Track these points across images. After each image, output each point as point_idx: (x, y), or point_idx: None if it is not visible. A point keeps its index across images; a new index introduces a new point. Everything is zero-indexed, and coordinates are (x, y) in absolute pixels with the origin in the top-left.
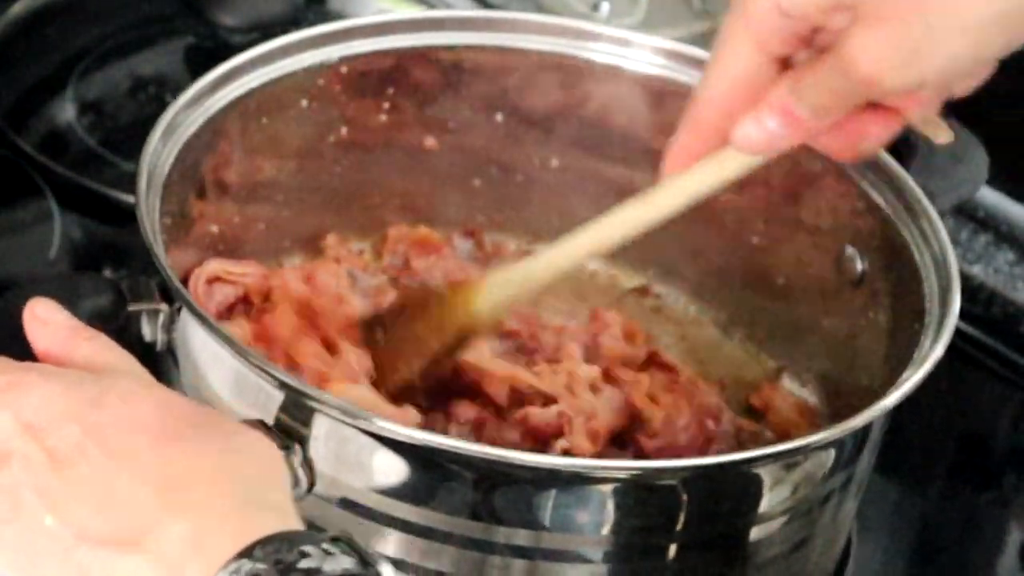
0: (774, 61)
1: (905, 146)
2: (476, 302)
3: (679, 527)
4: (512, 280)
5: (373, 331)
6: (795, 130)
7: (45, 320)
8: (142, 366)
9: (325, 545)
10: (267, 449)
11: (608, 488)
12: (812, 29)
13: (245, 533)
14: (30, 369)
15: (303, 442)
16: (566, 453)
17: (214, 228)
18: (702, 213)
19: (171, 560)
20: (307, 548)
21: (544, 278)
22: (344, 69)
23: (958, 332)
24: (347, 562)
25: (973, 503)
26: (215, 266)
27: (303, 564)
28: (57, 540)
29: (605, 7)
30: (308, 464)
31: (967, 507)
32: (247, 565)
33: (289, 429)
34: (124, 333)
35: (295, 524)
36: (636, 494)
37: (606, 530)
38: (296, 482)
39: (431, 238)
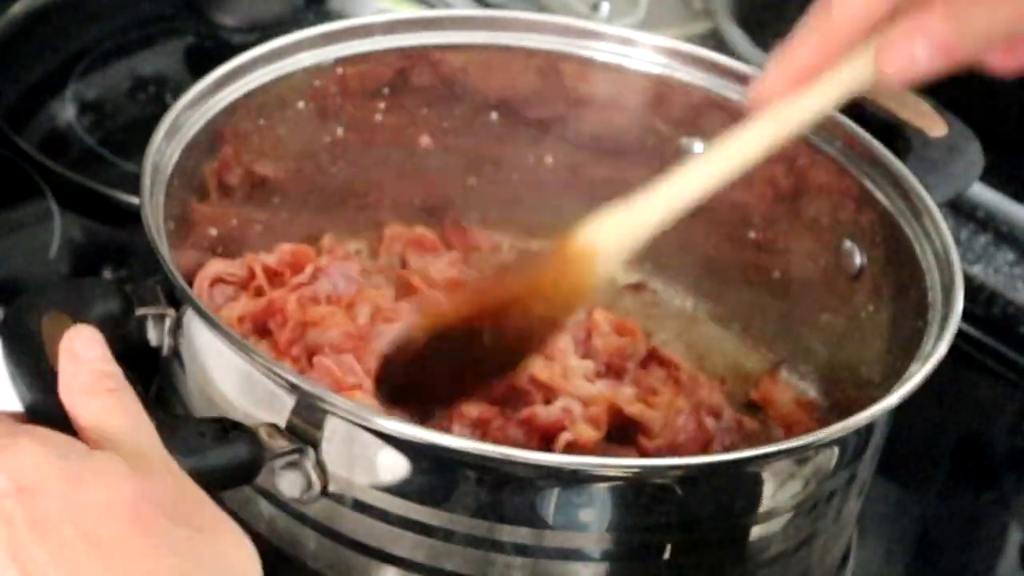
0: None
1: (899, 140)
2: (590, 263)
3: (680, 526)
4: (624, 228)
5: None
6: (945, 58)
7: (77, 355)
8: (153, 437)
9: None
10: (239, 550)
11: (610, 486)
12: None
13: None
14: (24, 433)
15: (315, 444)
16: (571, 445)
17: (213, 230)
18: (698, 208)
19: None
20: None
21: (654, 223)
22: (342, 69)
23: (958, 332)
24: None
25: (973, 503)
26: (218, 267)
27: None
28: None
29: (605, 7)
30: (321, 466)
31: (967, 507)
32: None
33: (301, 432)
34: (130, 338)
35: None
36: (638, 492)
37: (608, 528)
38: (309, 485)
39: (426, 237)
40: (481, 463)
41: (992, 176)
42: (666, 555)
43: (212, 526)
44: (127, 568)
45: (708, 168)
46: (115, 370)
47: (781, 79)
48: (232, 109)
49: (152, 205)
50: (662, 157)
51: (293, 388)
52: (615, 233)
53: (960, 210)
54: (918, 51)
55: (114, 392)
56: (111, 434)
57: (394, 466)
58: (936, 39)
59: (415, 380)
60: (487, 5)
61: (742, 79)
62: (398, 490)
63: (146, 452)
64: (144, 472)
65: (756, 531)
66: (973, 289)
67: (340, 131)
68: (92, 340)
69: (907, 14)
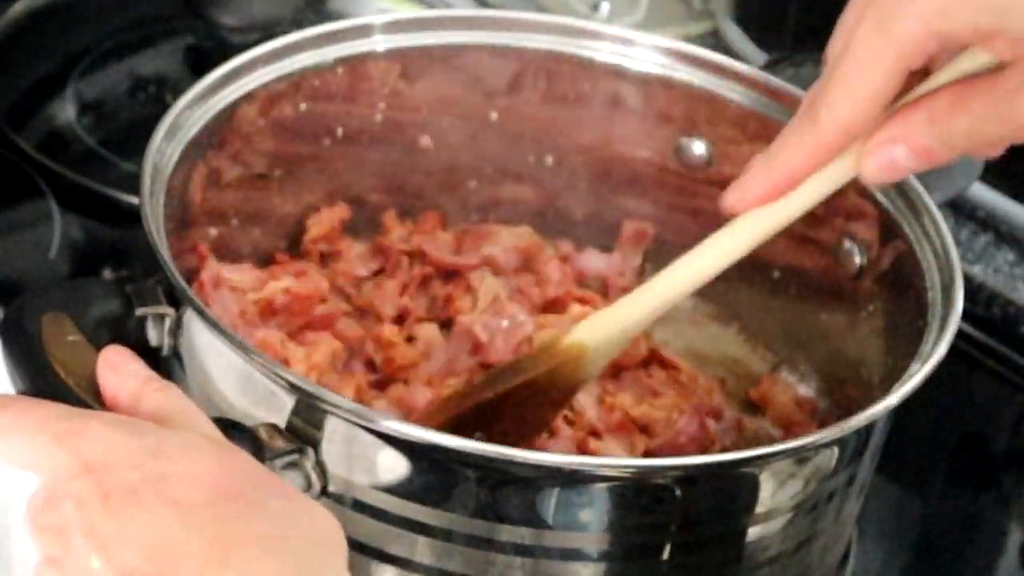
0: (907, 75)
1: None
2: (580, 364)
3: (680, 526)
4: (610, 331)
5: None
6: (926, 162)
7: (117, 368)
8: (212, 424)
9: None
10: (328, 524)
11: (610, 486)
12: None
13: None
14: (91, 416)
15: (315, 445)
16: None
17: (213, 231)
18: (698, 208)
19: None
20: None
21: (643, 320)
22: (342, 69)
23: (958, 332)
24: None
25: (973, 503)
26: (216, 271)
27: None
28: None
29: (605, 7)
30: (320, 466)
31: (967, 507)
32: None
33: (301, 432)
34: (130, 338)
35: None
36: (638, 492)
37: (608, 528)
38: (309, 485)
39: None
40: (481, 463)
41: (992, 176)
42: (666, 555)
43: (296, 496)
44: (215, 531)
45: (690, 270)
46: (156, 376)
47: (763, 186)
48: (232, 109)
49: (152, 205)
50: (662, 157)
51: (293, 388)
52: (603, 333)
53: (960, 210)
54: (900, 157)
55: (164, 389)
56: (177, 420)
57: (394, 466)
58: (918, 147)
59: None
60: (487, 5)
61: (742, 79)
62: (398, 490)
63: (212, 434)
64: (222, 446)
65: (756, 531)
66: (973, 289)
67: (340, 131)
68: (128, 353)
69: (890, 119)
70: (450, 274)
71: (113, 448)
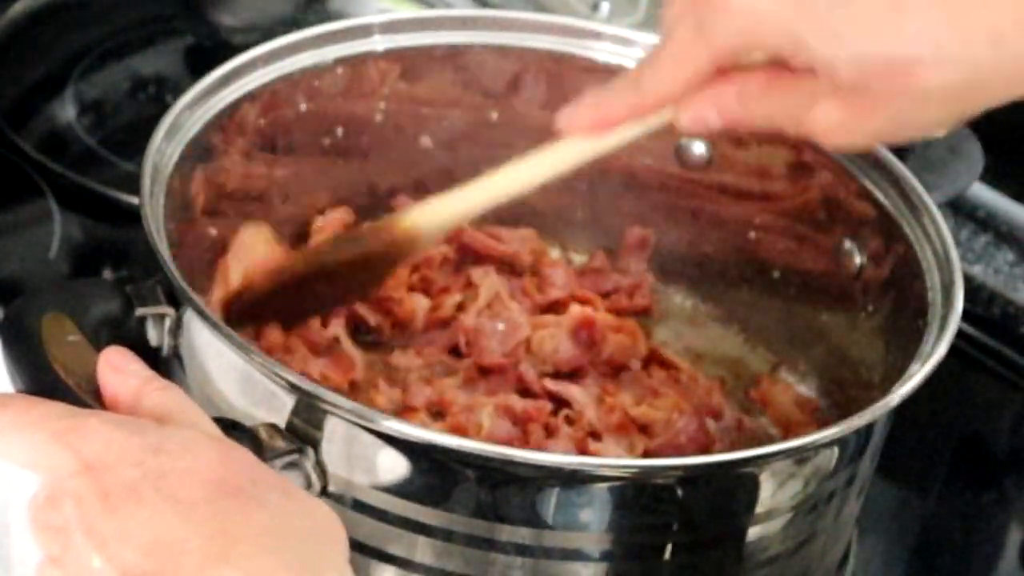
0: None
1: None
2: (412, 244)
3: (680, 525)
4: (441, 219)
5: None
6: (732, 127)
7: (118, 368)
8: (213, 424)
9: None
10: (328, 518)
11: (610, 486)
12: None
13: None
14: (91, 414)
15: (315, 445)
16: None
17: (213, 230)
18: (699, 207)
19: None
20: None
21: (469, 214)
22: (342, 69)
23: (958, 332)
24: None
25: (973, 503)
26: None
27: None
28: None
29: (605, 7)
30: (320, 466)
31: (967, 507)
32: None
33: (301, 432)
34: (130, 338)
35: None
36: (638, 492)
37: (608, 528)
38: (309, 485)
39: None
40: (481, 463)
41: (992, 176)
42: (666, 555)
43: (296, 492)
44: (216, 527)
45: (514, 176)
46: (157, 375)
47: (588, 121)
48: (232, 109)
49: (152, 205)
50: (663, 157)
51: (293, 388)
52: (434, 220)
53: (960, 210)
54: (710, 118)
55: (165, 389)
56: (178, 419)
57: (394, 466)
58: (726, 114)
59: (265, 307)
60: (487, 5)
61: None
62: (398, 490)
63: (213, 432)
64: (222, 443)
65: (756, 531)
66: (973, 289)
67: (340, 132)
68: (129, 354)
69: (709, 86)
70: (458, 266)
71: (113, 446)
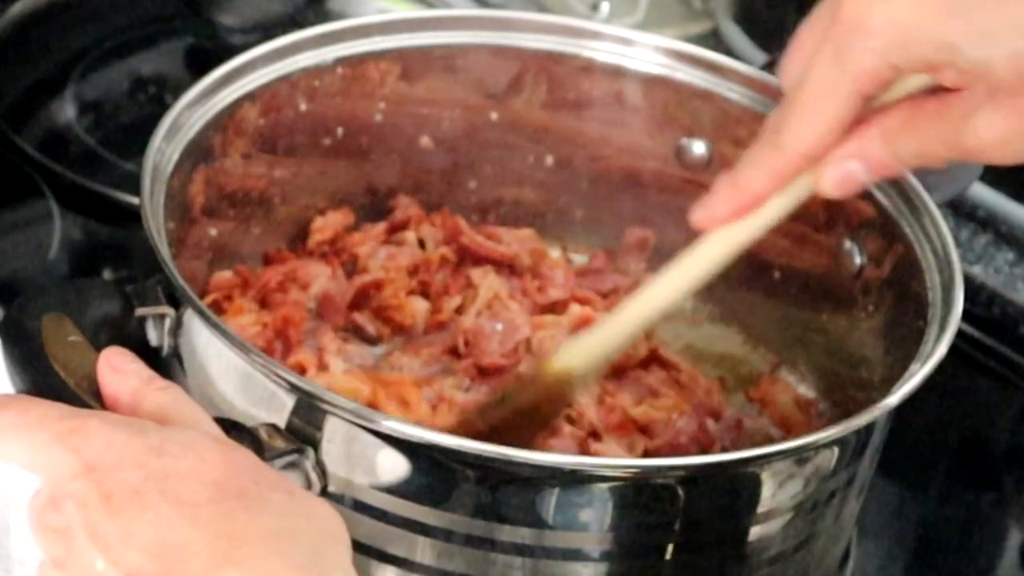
0: (864, 101)
1: None
2: (569, 377)
3: (680, 526)
4: (593, 350)
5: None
6: (880, 175)
7: (118, 368)
8: (213, 423)
9: None
10: (330, 516)
11: (610, 486)
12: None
13: None
14: (91, 415)
15: (315, 445)
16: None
17: (213, 230)
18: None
19: None
20: None
21: (625, 338)
22: (342, 70)
23: (958, 332)
24: None
25: (973, 503)
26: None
27: None
28: None
29: (605, 7)
30: (320, 467)
31: (967, 507)
32: None
33: (301, 432)
34: (130, 338)
35: None
36: (638, 492)
37: (608, 528)
38: (309, 485)
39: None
40: (481, 463)
41: (992, 176)
42: (666, 555)
43: (298, 491)
44: (221, 528)
45: (662, 292)
46: (158, 376)
47: (728, 206)
48: (232, 109)
49: (152, 206)
50: (663, 158)
51: (293, 388)
52: (584, 358)
53: (960, 210)
54: (856, 171)
55: (166, 389)
56: (179, 420)
57: (394, 466)
58: (873, 162)
59: None
60: (487, 5)
61: (743, 79)
62: (398, 490)
63: (215, 432)
64: (225, 443)
65: (756, 531)
66: (973, 289)
67: (340, 131)
68: (128, 354)
69: (847, 137)
70: (456, 267)
71: (114, 447)
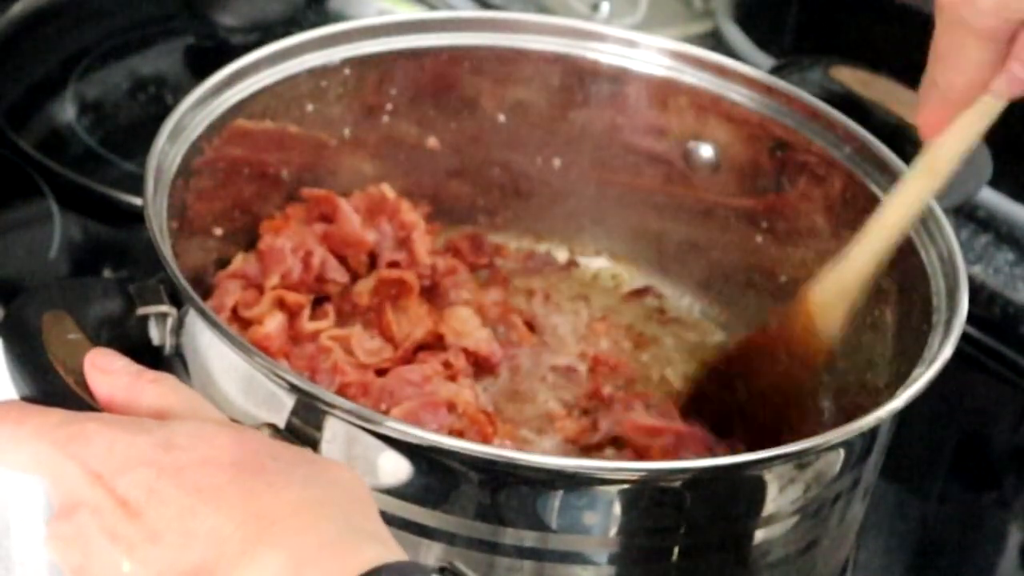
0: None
1: (907, 144)
2: (815, 323)
3: (685, 529)
4: (833, 291)
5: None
6: None
7: (105, 369)
8: (212, 406)
9: None
10: (353, 479)
11: (614, 490)
12: None
13: (348, 564)
14: (89, 418)
15: (315, 445)
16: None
17: (218, 230)
18: (705, 212)
19: None
20: None
21: (862, 274)
22: (347, 71)
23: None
24: None
25: (973, 503)
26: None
27: None
28: None
29: (605, 7)
30: None
31: (967, 507)
32: None
33: (301, 432)
34: (131, 337)
35: (398, 554)
36: (642, 496)
37: (612, 532)
38: None
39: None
40: (484, 465)
41: (993, 177)
42: (670, 559)
43: (317, 459)
44: (248, 509)
45: (892, 219)
46: (147, 369)
47: (937, 112)
48: (236, 110)
49: (155, 207)
50: (668, 159)
51: (293, 389)
52: (834, 291)
53: (961, 211)
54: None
55: (158, 380)
56: (178, 411)
57: (395, 468)
58: None
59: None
60: (487, 6)
61: (749, 82)
62: (399, 492)
63: (216, 417)
64: (231, 426)
65: (760, 535)
66: (974, 289)
67: (347, 132)
68: (112, 353)
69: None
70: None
71: (117, 450)
